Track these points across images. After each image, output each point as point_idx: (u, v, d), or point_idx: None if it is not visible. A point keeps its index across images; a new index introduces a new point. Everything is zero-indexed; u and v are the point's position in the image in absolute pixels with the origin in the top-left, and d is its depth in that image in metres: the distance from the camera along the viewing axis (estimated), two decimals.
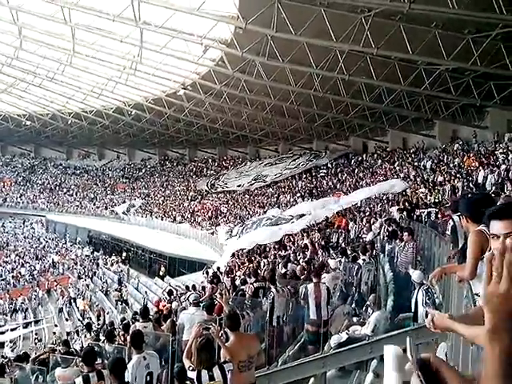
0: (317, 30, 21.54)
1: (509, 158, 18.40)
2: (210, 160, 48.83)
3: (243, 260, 19.31)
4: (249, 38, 24.20)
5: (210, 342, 5.24)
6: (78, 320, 26.94)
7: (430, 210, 13.31)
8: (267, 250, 19.49)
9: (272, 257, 16.56)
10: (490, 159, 19.63)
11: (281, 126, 38.31)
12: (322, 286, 8.16)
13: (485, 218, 2.53)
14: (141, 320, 9.54)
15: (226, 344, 5.43)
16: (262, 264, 15.58)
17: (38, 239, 48.54)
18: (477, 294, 3.84)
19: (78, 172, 55.15)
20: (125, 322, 14.06)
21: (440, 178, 19.97)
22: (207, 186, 42.99)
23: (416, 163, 27.28)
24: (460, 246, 6.26)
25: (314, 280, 8.27)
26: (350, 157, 36.85)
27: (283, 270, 11.63)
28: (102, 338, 12.18)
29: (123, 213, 42.90)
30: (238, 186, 40.40)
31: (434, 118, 29.53)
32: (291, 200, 33.10)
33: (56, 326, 26.02)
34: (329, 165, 37.32)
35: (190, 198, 42.39)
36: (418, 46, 20.58)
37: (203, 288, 15.73)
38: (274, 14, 21.19)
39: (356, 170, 33.59)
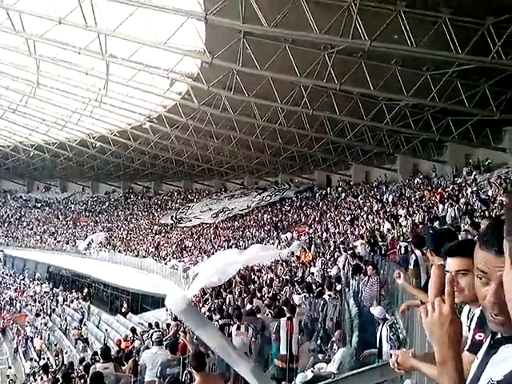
0: (281, 66, 21.96)
1: (467, 191, 18.89)
2: (175, 193, 48.48)
3: (208, 296, 18.98)
4: (215, 72, 24.45)
5: (178, 380, 5.09)
6: (35, 361, 25.76)
7: (401, 244, 13.28)
8: (232, 284, 19.23)
9: (237, 292, 16.31)
10: (450, 193, 20.11)
11: (246, 160, 38.53)
12: (294, 321, 8.06)
13: (442, 252, 2.56)
14: (101, 360, 9.18)
15: None
16: (227, 300, 15.34)
17: None
18: None
19: (39, 205, 53.77)
20: (85, 362, 13.51)
21: (401, 212, 20.29)
22: (172, 219, 42.53)
23: (378, 197, 27.71)
24: (422, 279, 6.30)
25: (288, 315, 8.17)
26: (315, 190, 37.22)
27: (248, 306, 11.45)
28: (59, 380, 11.62)
29: (84, 249, 41.85)
30: (203, 218, 40.15)
31: (396, 152, 30.24)
32: (256, 234, 33.00)
33: (10, 367, 24.79)
34: (293, 198, 37.56)
35: (154, 231, 41.77)
36: (379, 82, 21.20)
37: (168, 325, 15.33)
38: (240, 49, 21.52)
39: (320, 204, 33.87)
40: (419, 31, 17.13)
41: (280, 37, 20.80)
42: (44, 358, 24.38)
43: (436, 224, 14.49)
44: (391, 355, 2.63)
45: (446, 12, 16.34)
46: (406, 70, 20.82)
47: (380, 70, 21.18)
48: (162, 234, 40.59)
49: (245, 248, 28.45)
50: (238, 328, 8.63)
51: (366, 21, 17.30)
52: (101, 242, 42.07)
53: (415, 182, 27.20)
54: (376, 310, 6.90)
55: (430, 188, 23.91)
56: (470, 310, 2.46)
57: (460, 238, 5.84)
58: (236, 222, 37.80)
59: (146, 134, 36.36)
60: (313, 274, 14.18)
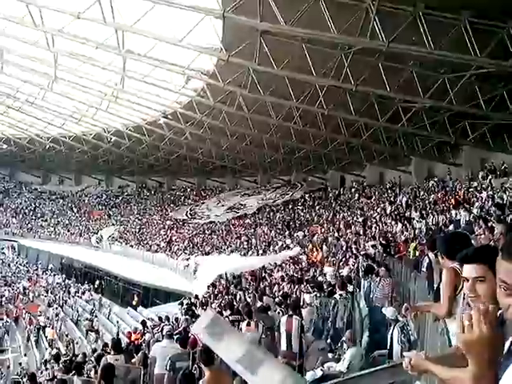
0: (298, 65, 21.94)
1: (482, 195, 18.75)
2: (188, 189, 48.66)
3: (218, 290, 19.11)
4: (231, 69, 24.50)
5: (192, 374, 5.16)
6: (46, 350, 26.08)
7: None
8: (242, 282, 19.34)
9: (248, 289, 16.40)
10: (465, 197, 19.99)
11: (260, 158, 38.56)
12: (294, 320, 8.13)
13: (457, 258, 2.57)
14: (112, 352, 9.29)
15: (202, 380, 5.31)
16: (237, 296, 15.42)
17: (9, 265, 47.27)
18: (452, 334, 3.83)
19: (54, 197, 54.29)
20: (97, 353, 13.67)
21: (414, 215, 20.20)
22: (186, 215, 42.66)
23: (392, 199, 27.59)
24: (435, 282, 6.30)
25: (290, 312, 8.25)
26: (328, 190, 37.15)
27: (258, 304, 11.51)
28: (71, 369, 11.77)
29: (96, 242, 42.26)
30: (216, 215, 40.27)
31: (411, 155, 30.06)
32: (268, 232, 33.07)
33: (25, 355, 25.15)
34: (306, 198, 37.53)
35: (166, 226, 42.00)
36: (396, 83, 21.10)
37: (176, 319, 15.47)
38: (257, 48, 21.53)
39: (333, 204, 33.81)
40: (438, 33, 17.01)
41: (297, 36, 20.79)
42: (55, 348, 24.67)
43: (450, 227, 14.41)
44: (403, 357, 2.65)
45: (466, 14, 16.19)
46: (423, 72, 20.70)
47: (397, 71, 21.07)
48: (175, 230, 40.79)
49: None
50: (248, 324, 8.69)
51: (384, 21, 17.21)
52: (113, 236, 42.47)
53: (429, 184, 27.03)
54: (388, 311, 6.92)
55: (444, 192, 23.76)
56: None
57: (473, 242, 5.82)
58: (248, 220, 37.88)
59: (161, 129, 36.52)
60: (325, 274, 14.19)
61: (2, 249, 50.22)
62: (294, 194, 38.37)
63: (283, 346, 8.05)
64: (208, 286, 22.15)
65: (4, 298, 38.44)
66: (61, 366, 14.15)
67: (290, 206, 37.30)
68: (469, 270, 2.14)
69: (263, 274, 20.13)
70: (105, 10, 22.34)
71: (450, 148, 27.73)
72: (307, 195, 37.68)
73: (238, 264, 24.18)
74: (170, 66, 27.32)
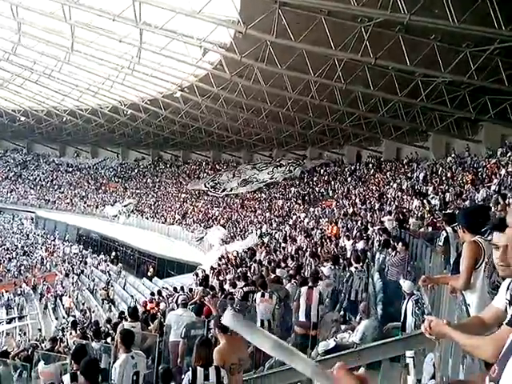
0: (316, 38, 21.62)
1: (501, 172, 18.47)
2: (203, 163, 48.76)
3: (232, 262, 19.28)
4: (248, 42, 24.23)
5: (209, 340, 5.25)
6: (63, 317, 26.73)
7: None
8: (256, 254, 19.45)
9: (262, 261, 16.51)
10: (483, 174, 19.72)
11: (276, 132, 38.35)
12: (314, 291, 8.19)
13: (489, 226, 2.55)
14: (129, 319, 9.45)
15: (218, 347, 5.39)
16: (251, 268, 15.54)
17: (27, 235, 48.17)
18: (469, 305, 3.83)
19: (71, 170, 54.83)
20: (113, 321, 13.95)
21: (431, 190, 20.02)
22: (205, 186, 42.77)
23: (409, 174, 27.34)
24: (451, 256, 6.27)
25: (310, 284, 8.30)
26: (344, 165, 36.99)
27: (272, 276, 11.58)
28: (87, 335, 12.05)
29: (114, 216, 42.73)
30: (231, 189, 40.48)
31: (429, 130, 29.66)
32: (283, 205, 33.13)
33: (43, 322, 25.80)
34: (321, 172, 37.42)
35: (182, 199, 42.27)
36: (416, 57, 20.69)
37: (190, 290, 15.68)
38: (275, 20, 21.23)
39: (349, 179, 33.65)
40: (461, 6, 16.58)
41: (316, 8, 20.43)
42: (72, 316, 25.27)
43: (467, 203, 14.29)
44: (416, 324, 2.65)
45: None
46: (444, 46, 20.24)
47: (418, 45, 20.62)
48: (190, 203, 41.04)
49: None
50: (263, 295, 8.77)
51: None
52: (128, 208, 42.90)
53: (447, 160, 26.69)
54: (406, 284, 6.91)
55: (462, 168, 23.46)
56: (511, 282, 2.47)
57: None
58: (263, 194, 37.94)
59: (177, 103, 36.44)
60: (344, 248, 14.22)
61: (21, 220, 51.15)
62: (296, 171, 38.57)
63: (301, 317, 8.12)
64: (220, 258, 22.37)
65: (23, 267, 39.29)
66: (78, 332, 14.47)
67: (305, 180, 37.23)
68: (498, 238, 2.13)
69: (277, 247, 20.26)
70: None
71: (469, 124, 27.29)
72: (322, 170, 37.55)
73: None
74: (187, 39, 27.11)
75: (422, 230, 12.65)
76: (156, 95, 37.47)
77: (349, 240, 14.15)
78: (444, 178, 22.14)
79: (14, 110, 47.52)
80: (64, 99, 43.52)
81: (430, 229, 12.22)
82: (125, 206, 43.73)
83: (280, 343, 1.30)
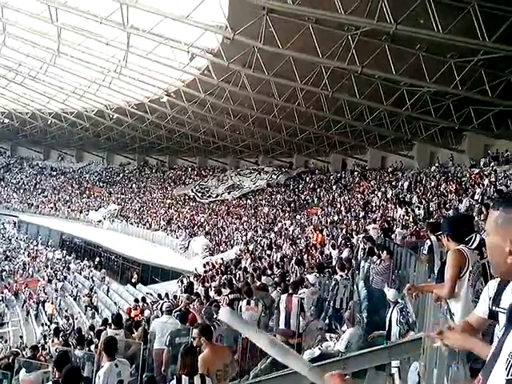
0: (303, 45, 21.74)
1: (484, 182, 18.71)
2: (189, 168, 48.61)
3: (217, 270, 19.21)
4: (236, 48, 24.28)
5: (194, 348, 5.19)
6: (45, 324, 26.33)
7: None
8: (242, 261, 19.43)
9: (247, 269, 16.46)
10: (466, 184, 19.95)
11: (262, 139, 38.40)
12: (294, 298, 8.19)
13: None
14: (113, 327, 9.35)
15: (202, 354, 5.35)
16: (237, 276, 15.50)
17: (9, 240, 47.44)
18: (454, 314, 3.86)
19: (55, 173, 54.26)
20: (97, 328, 13.78)
21: (415, 199, 20.18)
22: (192, 191, 42.58)
23: (394, 183, 27.55)
24: (436, 265, 6.32)
25: (290, 291, 8.30)
26: (329, 173, 37.16)
27: (258, 283, 11.56)
28: (70, 343, 11.90)
29: (98, 221, 42.33)
30: (217, 195, 40.40)
31: (413, 139, 29.94)
32: (269, 212, 33.13)
33: (25, 329, 25.39)
34: (307, 179, 37.55)
35: (167, 205, 42.05)
36: (402, 66, 20.91)
37: (175, 297, 15.59)
38: (263, 27, 21.31)
39: (334, 187, 33.80)
40: (446, 17, 16.80)
41: (304, 15, 20.55)
42: (55, 323, 24.92)
43: (450, 212, 14.42)
44: (400, 334, 2.66)
45: None
46: (430, 56, 20.49)
47: (403, 54, 20.87)
48: (175, 209, 40.85)
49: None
50: (248, 303, 8.73)
51: (393, 3, 17.03)
52: (113, 214, 42.53)
53: (431, 170, 26.96)
54: (390, 293, 6.94)
55: (446, 177, 23.71)
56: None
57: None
58: (248, 200, 37.92)
59: (164, 107, 36.33)
60: (329, 256, 14.24)
61: (3, 224, 50.37)
62: (278, 178, 38.74)
63: (282, 324, 8.11)
64: (205, 265, 22.28)
65: (4, 273, 38.65)
66: (60, 339, 14.30)
67: (291, 187, 37.31)
68: None
69: (262, 255, 20.24)
70: None
71: (453, 134, 27.61)
72: (308, 177, 37.68)
73: None
74: (175, 43, 27.08)
75: (406, 239, 12.74)
76: (142, 99, 37.33)
77: (334, 249, 14.18)
78: (428, 187, 22.35)
79: None
80: (49, 102, 43.13)
81: (413, 238, 12.32)
82: (109, 211, 43.34)
83: (275, 342, 1.29)
